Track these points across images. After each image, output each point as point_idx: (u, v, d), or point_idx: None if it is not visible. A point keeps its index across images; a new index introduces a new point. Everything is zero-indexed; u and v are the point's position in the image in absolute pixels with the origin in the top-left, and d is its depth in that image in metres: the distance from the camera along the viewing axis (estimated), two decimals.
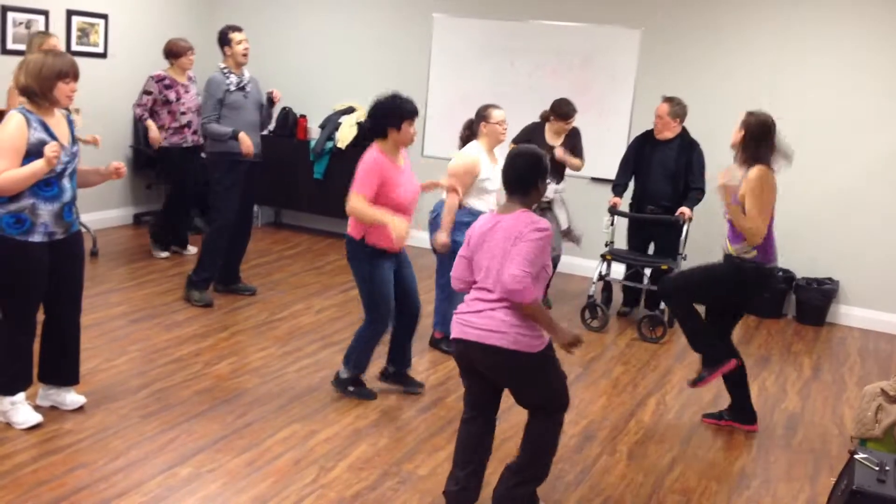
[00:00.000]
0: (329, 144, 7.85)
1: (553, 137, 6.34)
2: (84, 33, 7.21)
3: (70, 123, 3.83)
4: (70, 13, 7.05)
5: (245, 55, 5.69)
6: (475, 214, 4.87)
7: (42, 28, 6.74)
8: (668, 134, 6.00)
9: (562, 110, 6.20)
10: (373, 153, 4.22)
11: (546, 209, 6.26)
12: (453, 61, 7.70)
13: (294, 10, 8.29)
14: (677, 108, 5.97)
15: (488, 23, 7.51)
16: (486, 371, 3.30)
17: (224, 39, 5.68)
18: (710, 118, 6.70)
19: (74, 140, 3.82)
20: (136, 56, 7.60)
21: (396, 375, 4.67)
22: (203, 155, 6.12)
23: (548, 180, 3.32)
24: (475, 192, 5.02)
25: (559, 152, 6.08)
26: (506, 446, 3.99)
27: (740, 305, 4.53)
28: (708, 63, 6.86)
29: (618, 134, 7.13)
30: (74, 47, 7.10)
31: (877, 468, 3.11)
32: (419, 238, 7.30)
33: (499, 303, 3.19)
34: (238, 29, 5.72)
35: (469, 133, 5.22)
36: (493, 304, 3.21)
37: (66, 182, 3.75)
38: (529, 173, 3.27)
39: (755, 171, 4.18)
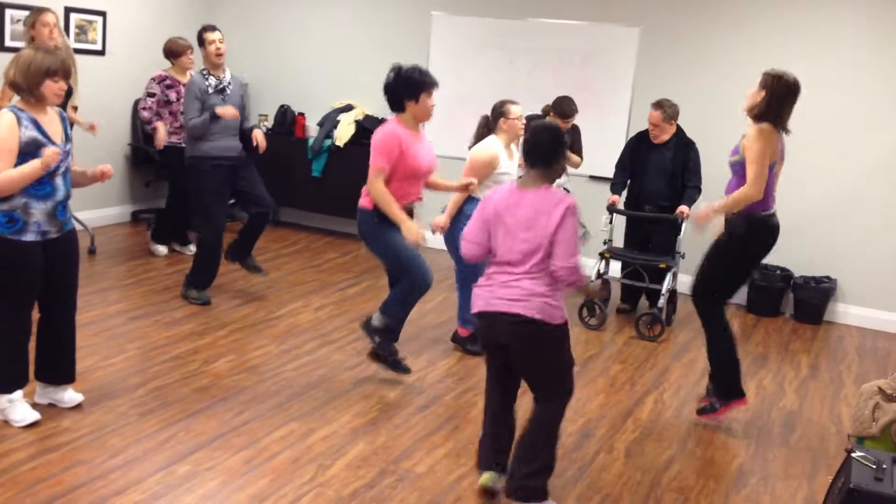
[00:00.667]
0: (327, 142, 7.85)
1: None
2: (82, 31, 7.20)
3: (63, 121, 3.82)
4: (68, 10, 7.04)
5: (219, 55, 5.60)
6: None
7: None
8: (665, 137, 6.01)
9: (562, 108, 6.20)
10: (389, 125, 4.26)
11: None
12: (452, 59, 7.69)
13: (293, 8, 8.29)
14: (669, 111, 5.96)
15: (487, 21, 7.51)
16: (508, 341, 3.37)
17: (198, 39, 5.64)
18: (708, 117, 6.70)
19: (68, 138, 3.80)
20: (135, 54, 7.59)
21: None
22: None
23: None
24: (490, 184, 5.05)
25: None
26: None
27: (752, 263, 4.40)
28: (707, 62, 6.86)
29: (617, 132, 7.12)
30: (73, 45, 7.07)
31: (874, 467, 3.12)
32: (433, 239, 7.33)
33: (524, 274, 3.31)
34: (212, 28, 5.65)
35: (486, 129, 5.22)
36: (518, 275, 3.32)
37: (58, 181, 3.73)
38: (552, 146, 3.36)
39: (755, 129, 4.12)
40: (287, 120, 8.18)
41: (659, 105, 5.97)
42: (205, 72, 5.60)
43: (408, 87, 4.24)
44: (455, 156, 5.32)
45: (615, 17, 7.08)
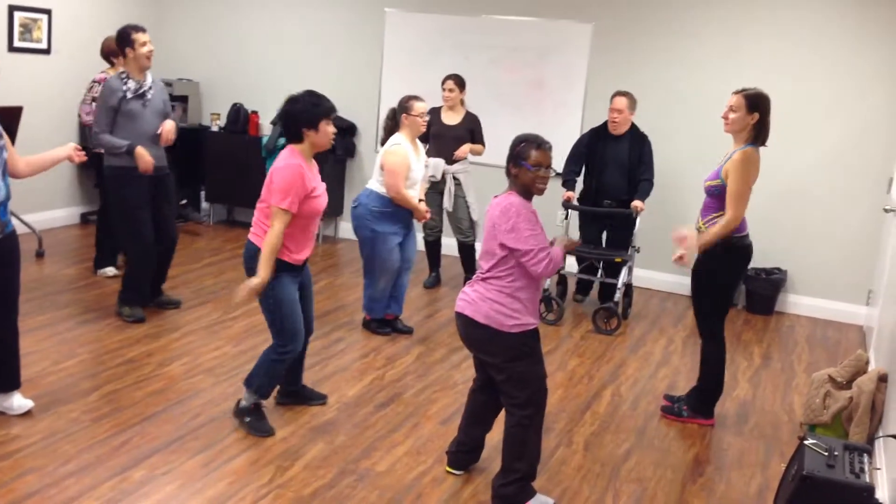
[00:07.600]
0: (281, 141, 7.76)
1: (448, 117, 6.42)
2: (27, 29, 7.03)
3: None
4: (12, 8, 6.86)
5: (149, 58, 5.13)
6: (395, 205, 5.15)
7: None
8: (624, 128, 6.06)
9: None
10: (294, 159, 3.78)
11: (441, 192, 6.37)
12: (406, 56, 7.67)
13: (244, 5, 8.19)
14: (633, 101, 6.05)
15: (441, 17, 7.50)
16: (464, 341, 3.52)
17: (126, 40, 5.08)
18: (661, 111, 6.78)
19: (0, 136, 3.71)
20: (81, 52, 7.43)
21: (293, 394, 4.34)
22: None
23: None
24: (409, 184, 5.18)
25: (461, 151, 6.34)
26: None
27: (733, 285, 4.36)
28: (659, 58, 6.93)
29: (570, 128, 7.17)
30: (17, 43, 6.92)
31: (826, 453, 3.18)
32: (345, 228, 7.40)
33: (482, 277, 3.43)
34: (142, 29, 5.13)
35: (393, 123, 5.26)
36: (480, 278, 3.45)
37: None
38: (509, 158, 3.45)
39: (742, 154, 4.10)
40: (240, 118, 8.08)
41: (625, 93, 6.02)
42: (124, 75, 5.12)
43: (306, 116, 3.77)
44: None
45: (568, 13, 7.13)
